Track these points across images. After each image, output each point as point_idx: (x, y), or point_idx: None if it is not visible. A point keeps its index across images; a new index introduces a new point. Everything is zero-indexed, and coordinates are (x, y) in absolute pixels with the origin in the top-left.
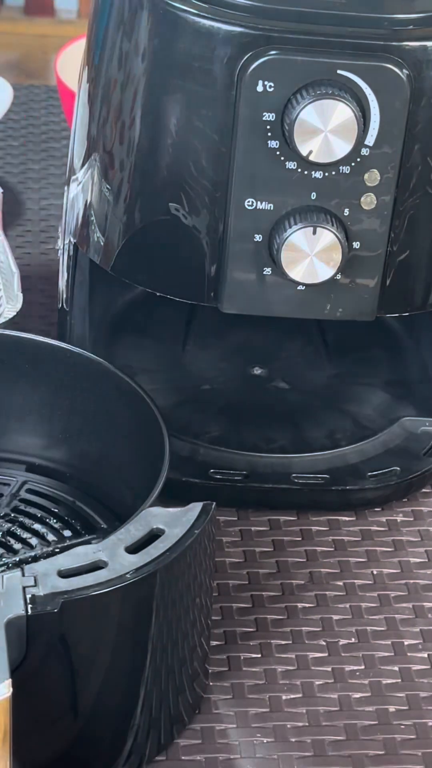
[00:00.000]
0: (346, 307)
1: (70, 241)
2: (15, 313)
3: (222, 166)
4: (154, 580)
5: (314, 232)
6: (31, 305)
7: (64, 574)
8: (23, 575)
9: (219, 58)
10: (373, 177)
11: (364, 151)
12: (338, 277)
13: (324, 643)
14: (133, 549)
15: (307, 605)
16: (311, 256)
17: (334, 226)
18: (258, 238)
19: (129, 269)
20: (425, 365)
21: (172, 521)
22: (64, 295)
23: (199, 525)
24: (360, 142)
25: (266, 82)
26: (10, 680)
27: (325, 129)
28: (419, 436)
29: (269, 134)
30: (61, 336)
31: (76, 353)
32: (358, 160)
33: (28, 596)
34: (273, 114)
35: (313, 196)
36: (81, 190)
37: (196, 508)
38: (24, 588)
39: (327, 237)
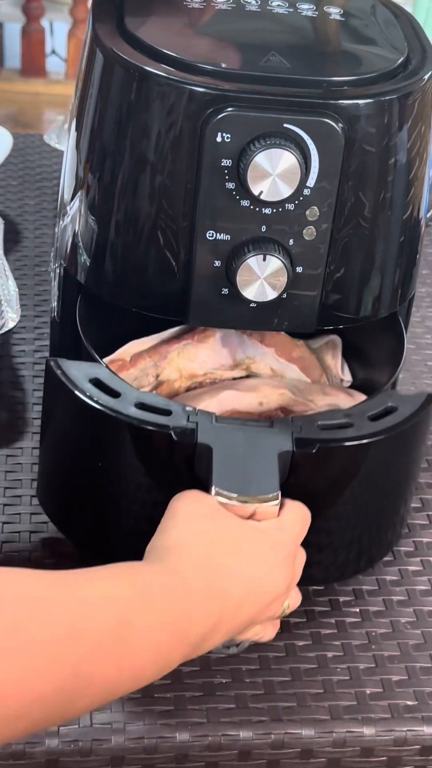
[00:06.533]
0: (290, 321)
1: (60, 264)
2: (14, 325)
3: (188, 203)
4: (386, 443)
5: (264, 259)
6: (28, 319)
7: (322, 427)
8: (292, 422)
9: (185, 114)
10: (313, 212)
11: (306, 191)
12: (284, 296)
13: None
14: (374, 417)
15: None
16: (262, 279)
17: (280, 254)
18: (218, 263)
19: (110, 289)
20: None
21: (404, 402)
22: (56, 311)
23: (423, 409)
24: (302, 184)
25: (224, 134)
26: (279, 492)
27: (274, 173)
28: None
29: (227, 177)
30: (53, 345)
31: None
32: (301, 198)
33: (294, 438)
34: (230, 160)
35: (264, 228)
36: (70, 221)
37: (422, 396)
38: (292, 432)
39: (275, 263)
